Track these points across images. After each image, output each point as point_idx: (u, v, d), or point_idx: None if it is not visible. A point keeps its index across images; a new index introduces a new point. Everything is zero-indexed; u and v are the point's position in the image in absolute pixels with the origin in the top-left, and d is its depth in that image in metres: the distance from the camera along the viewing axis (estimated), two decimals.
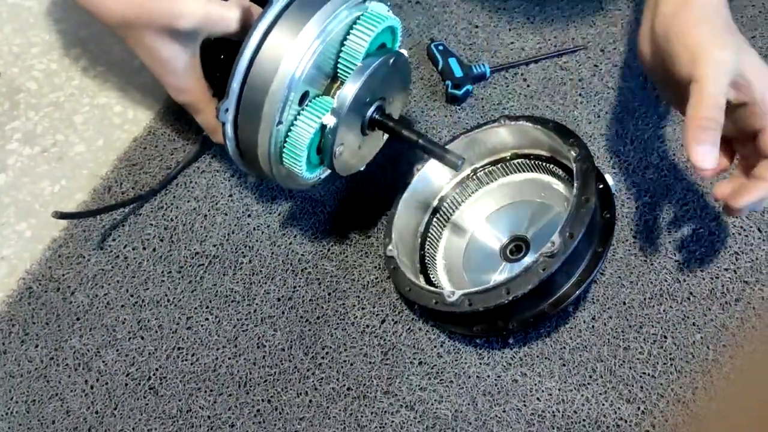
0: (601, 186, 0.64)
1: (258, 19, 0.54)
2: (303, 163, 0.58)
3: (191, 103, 0.62)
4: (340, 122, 0.57)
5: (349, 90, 0.57)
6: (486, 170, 0.72)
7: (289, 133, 0.57)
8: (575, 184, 0.59)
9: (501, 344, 0.66)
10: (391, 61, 0.59)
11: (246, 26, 0.58)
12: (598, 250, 0.61)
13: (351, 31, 0.57)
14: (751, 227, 0.70)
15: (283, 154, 0.58)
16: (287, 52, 0.54)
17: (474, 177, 0.72)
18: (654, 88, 0.78)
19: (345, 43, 0.57)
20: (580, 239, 0.57)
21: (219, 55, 0.61)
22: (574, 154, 0.62)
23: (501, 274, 0.66)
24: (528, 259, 0.63)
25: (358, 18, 0.57)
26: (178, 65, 0.58)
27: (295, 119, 0.57)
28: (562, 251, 0.57)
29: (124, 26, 0.57)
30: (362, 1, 0.58)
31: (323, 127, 0.57)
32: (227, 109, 0.55)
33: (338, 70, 0.58)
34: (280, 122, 0.55)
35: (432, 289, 0.63)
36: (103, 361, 0.67)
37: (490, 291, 0.58)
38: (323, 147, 0.59)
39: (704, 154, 0.51)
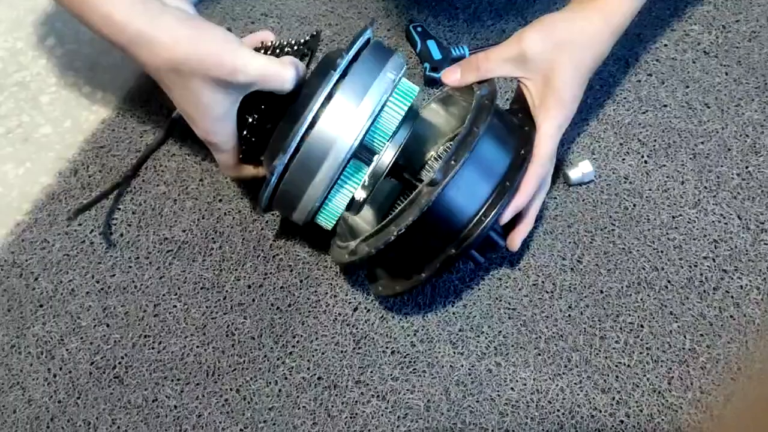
0: (526, 128, 0.62)
1: (324, 82, 0.54)
2: (334, 221, 0.61)
3: (216, 144, 0.60)
4: (368, 198, 0.59)
5: (382, 165, 0.59)
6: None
7: (329, 196, 0.58)
8: (469, 116, 0.57)
9: (467, 313, 0.64)
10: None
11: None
12: (506, 184, 0.57)
13: (387, 104, 0.57)
14: (730, 214, 0.69)
15: (320, 212, 0.60)
16: (350, 121, 0.55)
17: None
18: (636, 73, 0.77)
19: (380, 114, 0.58)
20: (470, 169, 0.55)
21: (259, 104, 0.60)
22: (479, 93, 0.60)
23: None
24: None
25: (393, 91, 0.58)
26: (218, 111, 0.57)
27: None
28: (442, 177, 0.54)
29: (172, 71, 0.55)
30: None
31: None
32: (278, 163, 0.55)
33: (372, 139, 0.59)
34: (330, 186, 0.56)
35: (341, 243, 0.62)
36: (67, 349, 0.66)
37: (381, 231, 0.56)
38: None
39: (451, 74, 0.64)
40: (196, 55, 0.54)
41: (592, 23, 0.62)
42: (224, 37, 0.56)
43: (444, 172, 0.54)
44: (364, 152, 0.59)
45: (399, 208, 0.56)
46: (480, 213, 0.57)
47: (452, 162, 0.54)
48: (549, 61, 0.61)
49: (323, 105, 0.55)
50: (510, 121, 0.62)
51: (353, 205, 0.60)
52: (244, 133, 0.61)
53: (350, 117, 0.55)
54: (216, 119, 0.58)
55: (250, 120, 0.61)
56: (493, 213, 0.56)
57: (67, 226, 0.71)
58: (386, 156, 0.59)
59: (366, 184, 0.58)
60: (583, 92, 0.63)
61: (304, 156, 0.55)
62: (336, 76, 0.55)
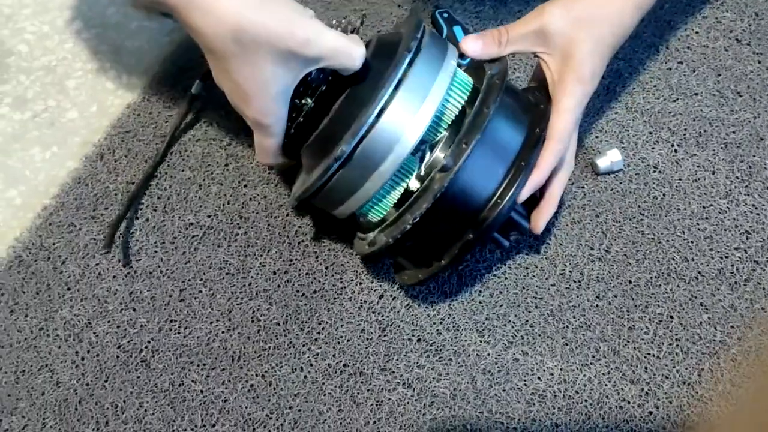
0: (541, 106, 0.60)
1: (389, 76, 0.52)
2: (384, 214, 0.58)
3: (268, 126, 0.56)
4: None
5: (438, 156, 0.56)
6: None
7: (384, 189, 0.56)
8: (479, 96, 0.55)
9: (493, 302, 0.64)
10: None
11: None
12: (521, 164, 0.56)
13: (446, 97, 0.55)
14: (763, 205, 0.68)
15: (373, 207, 0.58)
16: (418, 111, 0.53)
17: None
18: (666, 61, 0.76)
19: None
20: (482, 151, 0.53)
21: (312, 88, 0.57)
22: (490, 72, 0.58)
23: None
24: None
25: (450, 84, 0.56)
26: (277, 89, 0.53)
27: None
28: (453, 162, 0.52)
29: (234, 40, 0.50)
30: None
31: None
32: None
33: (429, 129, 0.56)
34: (387, 180, 0.55)
35: (361, 235, 0.61)
36: (95, 333, 0.66)
37: (397, 220, 0.55)
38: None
39: (472, 44, 0.61)
40: (266, 22, 0.50)
41: (619, 0, 0.60)
42: (294, 7, 0.52)
43: (455, 156, 0.53)
44: (420, 142, 0.56)
45: (414, 195, 0.55)
46: (496, 195, 0.55)
47: (463, 145, 0.53)
48: (569, 37, 0.59)
49: (392, 93, 0.52)
50: (524, 98, 0.61)
51: (405, 197, 0.57)
52: (295, 116, 0.58)
53: (418, 107, 0.53)
54: (273, 97, 0.54)
55: (303, 103, 0.57)
56: (509, 195, 0.55)
57: (105, 253, 0.69)
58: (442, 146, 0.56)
59: (422, 174, 0.56)
60: (603, 69, 0.61)
61: (368, 147, 0.53)
62: (406, 62, 0.52)
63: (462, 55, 0.75)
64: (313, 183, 0.55)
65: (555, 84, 0.61)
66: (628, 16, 0.61)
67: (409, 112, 0.53)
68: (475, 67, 0.62)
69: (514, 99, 0.59)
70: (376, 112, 0.52)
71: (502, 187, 0.55)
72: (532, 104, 0.61)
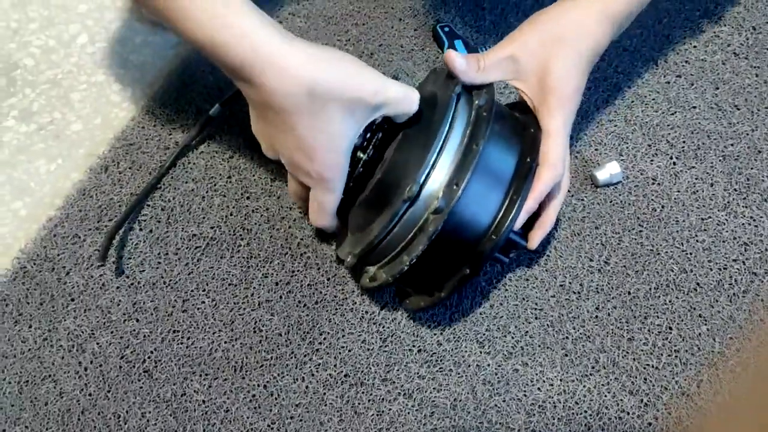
0: (531, 130, 0.60)
1: (442, 125, 0.55)
2: None
3: (331, 180, 0.56)
4: None
5: None
6: None
7: None
8: (467, 131, 0.55)
9: (494, 313, 0.64)
10: None
11: None
12: (514, 197, 0.56)
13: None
14: (761, 217, 0.68)
15: None
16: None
17: None
18: (665, 74, 0.77)
19: None
20: (474, 190, 0.54)
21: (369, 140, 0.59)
22: (477, 102, 0.58)
23: None
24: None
25: None
26: (343, 140, 0.54)
27: None
28: (447, 205, 0.53)
29: (306, 94, 0.51)
30: None
31: None
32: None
33: None
34: None
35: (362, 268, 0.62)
36: (98, 343, 0.66)
37: (394, 260, 0.57)
38: None
39: (457, 58, 0.59)
40: (339, 76, 0.52)
41: (586, 13, 0.60)
42: (356, 60, 0.54)
43: (448, 198, 0.53)
44: None
45: (410, 235, 0.55)
46: (491, 230, 0.56)
47: (454, 186, 0.53)
48: (541, 60, 0.59)
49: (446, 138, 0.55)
50: (513, 124, 0.60)
51: None
52: (352, 169, 0.58)
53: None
54: (340, 149, 0.54)
55: (364, 157, 0.58)
56: (504, 229, 0.55)
57: (100, 266, 0.70)
58: None
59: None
60: (584, 82, 0.60)
61: (430, 188, 0.54)
62: (451, 113, 0.55)
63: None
64: (383, 228, 0.56)
65: (537, 109, 0.60)
66: (601, 31, 0.60)
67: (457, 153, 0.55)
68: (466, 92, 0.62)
69: (503, 126, 0.58)
70: (435, 154, 0.54)
71: (496, 222, 0.56)
72: (521, 127, 0.60)
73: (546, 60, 0.59)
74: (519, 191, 0.56)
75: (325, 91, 0.51)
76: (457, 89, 0.57)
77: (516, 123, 0.60)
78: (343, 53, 0.54)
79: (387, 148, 0.59)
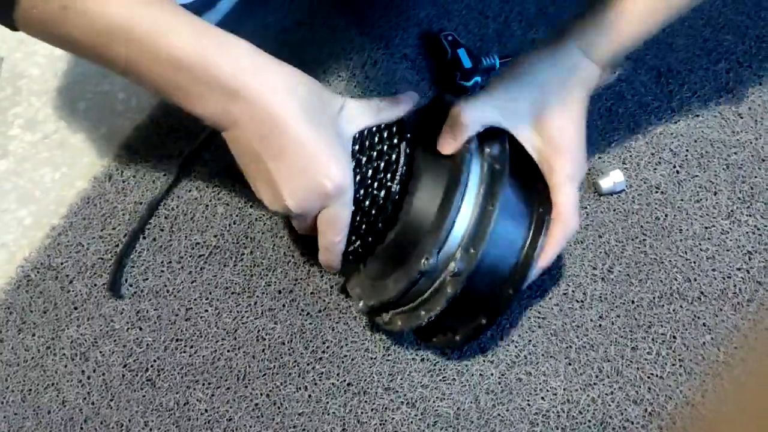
0: (541, 184, 0.58)
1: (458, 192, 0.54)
2: None
3: (348, 187, 0.52)
4: None
5: None
6: None
7: None
8: (481, 188, 0.54)
9: (499, 342, 0.64)
10: None
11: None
12: (527, 257, 0.56)
13: None
14: (765, 226, 0.68)
15: None
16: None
17: None
18: (668, 83, 0.77)
19: None
20: (490, 251, 0.53)
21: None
22: (490, 151, 0.56)
23: None
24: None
25: None
26: (347, 144, 0.53)
27: None
28: (465, 269, 0.53)
29: (308, 92, 0.50)
30: None
31: None
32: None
33: None
34: None
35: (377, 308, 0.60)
36: (101, 352, 0.66)
37: (412, 312, 0.57)
38: None
39: (442, 141, 0.56)
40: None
41: (569, 57, 0.57)
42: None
43: (465, 262, 0.53)
44: None
45: (427, 293, 0.55)
46: (506, 287, 0.56)
47: (471, 251, 0.53)
48: (534, 108, 0.57)
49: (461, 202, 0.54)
50: (525, 175, 0.58)
51: None
52: (382, 201, 0.56)
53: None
54: (347, 151, 0.53)
55: (394, 187, 0.55)
56: (519, 286, 0.56)
57: (112, 299, 0.68)
58: None
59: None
60: (584, 123, 0.58)
61: (445, 254, 0.54)
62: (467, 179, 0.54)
63: (465, 78, 0.77)
64: (399, 292, 0.56)
65: (541, 163, 0.58)
66: (586, 66, 0.58)
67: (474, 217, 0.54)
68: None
69: (516, 180, 0.57)
70: (451, 223, 0.53)
71: (514, 277, 0.56)
72: (534, 175, 0.59)
73: (539, 110, 0.57)
74: (534, 247, 0.56)
75: (319, 88, 0.50)
76: (472, 146, 0.55)
77: (528, 172, 0.58)
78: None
79: (409, 182, 0.57)
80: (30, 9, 0.44)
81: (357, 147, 0.55)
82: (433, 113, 0.60)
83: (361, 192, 0.55)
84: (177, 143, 0.77)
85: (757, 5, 0.81)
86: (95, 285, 0.69)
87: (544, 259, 0.56)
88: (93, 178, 0.75)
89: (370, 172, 0.55)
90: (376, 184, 0.55)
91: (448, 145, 0.56)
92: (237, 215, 0.72)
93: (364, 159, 0.55)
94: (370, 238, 0.56)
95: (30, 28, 0.46)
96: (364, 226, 0.56)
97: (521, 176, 0.58)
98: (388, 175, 0.55)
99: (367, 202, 0.55)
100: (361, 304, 0.60)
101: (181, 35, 0.46)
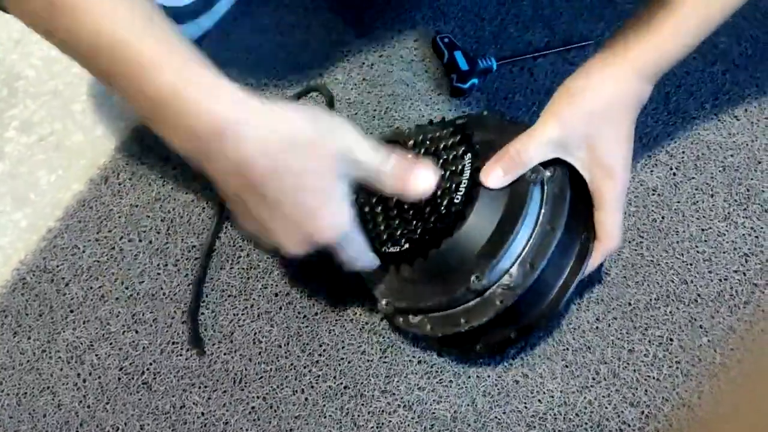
0: (584, 206, 0.59)
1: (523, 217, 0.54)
2: None
3: (346, 235, 0.51)
4: None
5: None
6: None
7: None
8: (543, 209, 0.55)
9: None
10: None
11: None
12: (568, 282, 0.57)
13: None
14: (761, 228, 0.68)
15: None
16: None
17: None
18: (664, 85, 0.77)
19: None
20: (544, 269, 0.54)
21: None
22: (548, 174, 0.56)
23: None
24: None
25: None
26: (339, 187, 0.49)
27: None
28: (521, 284, 0.54)
29: (289, 144, 0.46)
30: None
31: None
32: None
33: None
34: None
35: (398, 305, 0.60)
36: (96, 355, 0.66)
37: (448, 317, 0.56)
38: None
39: (493, 175, 0.56)
40: (313, 125, 0.47)
41: (624, 77, 0.56)
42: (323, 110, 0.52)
43: (522, 278, 0.54)
44: None
45: (472, 303, 0.55)
46: (545, 305, 0.57)
47: (528, 267, 0.54)
48: (589, 137, 0.56)
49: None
50: (575, 201, 0.58)
51: None
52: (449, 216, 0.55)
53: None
54: (339, 203, 0.49)
55: (457, 202, 0.55)
56: (555, 308, 0.57)
57: (196, 351, 0.66)
58: None
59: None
60: (632, 140, 0.58)
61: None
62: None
63: (461, 80, 0.77)
64: (437, 304, 0.56)
65: (589, 181, 0.57)
66: (641, 89, 0.57)
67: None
68: None
69: (571, 204, 0.57)
70: (510, 245, 0.54)
71: (551, 299, 0.57)
72: (583, 202, 0.59)
73: (593, 137, 0.56)
74: (576, 272, 0.57)
75: (306, 139, 0.46)
76: (534, 178, 0.56)
77: (579, 194, 0.58)
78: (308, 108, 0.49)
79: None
80: None
81: (422, 151, 0.56)
82: (481, 127, 0.60)
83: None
84: None
85: (752, 6, 0.82)
86: (91, 288, 0.69)
87: (584, 274, 0.58)
88: (89, 180, 0.75)
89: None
90: (439, 192, 0.55)
91: (497, 180, 0.55)
92: (232, 225, 0.72)
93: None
94: (419, 245, 0.56)
95: (20, 15, 0.45)
96: (418, 231, 0.56)
97: (573, 199, 0.57)
98: (453, 186, 0.55)
99: (428, 209, 0.55)
100: (384, 302, 0.59)
101: (164, 71, 0.43)
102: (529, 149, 0.56)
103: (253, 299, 0.68)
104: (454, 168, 0.56)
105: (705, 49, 0.79)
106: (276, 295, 0.68)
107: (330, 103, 0.59)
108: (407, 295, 0.59)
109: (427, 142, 0.59)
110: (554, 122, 0.56)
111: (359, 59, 0.81)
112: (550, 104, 0.57)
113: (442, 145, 0.58)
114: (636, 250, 0.68)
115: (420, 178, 0.51)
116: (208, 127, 0.44)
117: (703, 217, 0.69)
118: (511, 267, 0.54)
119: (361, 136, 0.49)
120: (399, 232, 0.57)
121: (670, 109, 0.75)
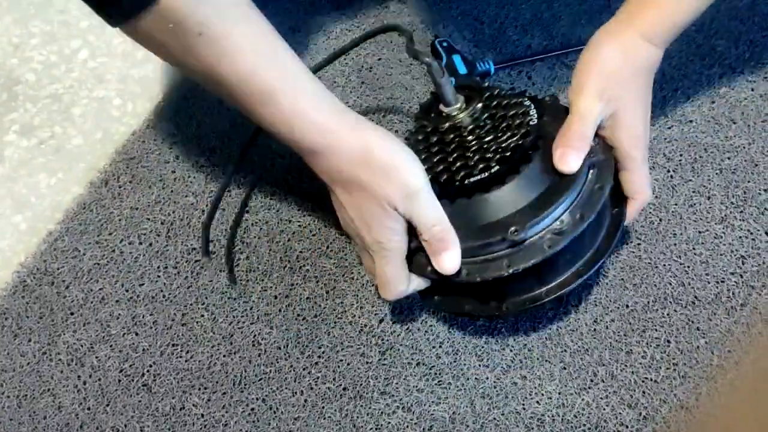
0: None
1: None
2: None
3: (386, 255, 0.55)
4: None
5: None
6: None
7: None
8: (593, 170, 0.57)
9: (493, 326, 0.65)
10: None
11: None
12: (602, 247, 0.58)
13: None
14: (758, 230, 0.68)
15: None
16: None
17: None
18: (662, 88, 0.77)
19: None
20: (588, 225, 0.55)
21: None
22: (593, 143, 0.58)
23: None
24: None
25: None
26: (390, 219, 0.54)
27: None
28: (570, 230, 0.54)
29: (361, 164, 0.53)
30: None
31: None
32: None
33: None
34: None
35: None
36: (97, 357, 0.66)
37: (490, 262, 0.55)
38: None
39: (570, 159, 0.56)
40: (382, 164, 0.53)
41: (631, 46, 0.59)
42: (404, 147, 0.55)
43: (572, 225, 0.54)
44: None
45: (517, 249, 0.54)
46: (581, 265, 0.57)
47: (578, 216, 0.54)
48: (610, 103, 0.58)
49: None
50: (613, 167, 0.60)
51: None
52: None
53: None
54: (391, 222, 0.54)
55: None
56: (590, 269, 0.57)
57: (206, 260, 0.70)
58: None
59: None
60: (649, 107, 0.61)
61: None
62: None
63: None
64: (466, 251, 0.55)
65: (614, 147, 0.59)
66: (653, 56, 0.60)
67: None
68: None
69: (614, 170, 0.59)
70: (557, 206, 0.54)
71: (587, 260, 0.57)
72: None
73: (614, 103, 0.58)
74: (610, 241, 0.58)
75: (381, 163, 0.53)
76: (596, 159, 0.57)
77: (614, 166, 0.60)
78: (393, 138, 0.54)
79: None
80: (165, 22, 0.47)
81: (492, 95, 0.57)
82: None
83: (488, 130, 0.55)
84: (173, 148, 0.77)
85: (750, 10, 0.82)
86: (91, 290, 0.69)
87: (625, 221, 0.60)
88: (89, 183, 0.75)
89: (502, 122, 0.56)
90: (502, 134, 0.56)
91: (576, 163, 0.56)
92: (233, 220, 0.72)
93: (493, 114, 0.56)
94: (463, 181, 0.56)
95: (144, 36, 0.49)
96: (464, 170, 0.56)
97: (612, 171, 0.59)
98: (522, 130, 0.56)
99: (506, 142, 0.55)
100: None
101: (282, 105, 0.50)
102: (588, 129, 0.57)
103: (253, 301, 0.68)
104: (522, 117, 0.57)
105: (703, 52, 0.79)
106: (275, 297, 0.68)
107: (411, 39, 0.59)
108: None
109: (496, 94, 0.58)
110: (594, 97, 0.57)
111: (358, 63, 0.82)
112: (576, 82, 0.59)
113: (506, 101, 0.58)
114: (634, 252, 0.68)
115: (447, 259, 0.55)
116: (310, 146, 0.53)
117: (701, 219, 0.69)
118: (562, 214, 0.54)
119: (427, 195, 0.53)
120: (476, 159, 0.56)
121: (667, 112, 0.76)
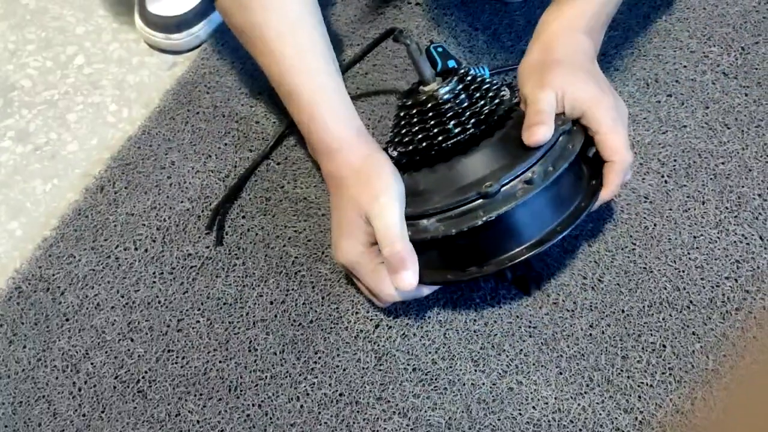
0: (592, 154, 0.62)
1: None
2: None
3: (354, 266, 0.62)
4: None
5: None
6: None
7: None
8: (563, 136, 0.60)
9: (488, 331, 0.65)
10: None
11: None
12: (581, 205, 0.60)
13: None
14: (752, 235, 0.69)
15: None
16: None
17: None
18: (656, 94, 0.78)
19: None
20: (563, 181, 0.58)
21: None
22: (562, 119, 0.61)
23: None
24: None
25: None
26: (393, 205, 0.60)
27: None
28: (541, 180, 0.56)
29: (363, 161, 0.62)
30: None
31: None
32: None
33: None
34: None
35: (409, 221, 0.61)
36: (92, 363, 0.66)
37: (465, 214, 0.57)
38: None
39: (539, 131, 0.59)
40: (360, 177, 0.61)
41: (567, 37, 0.64)
42: (390, 168, 0.62)
43: (544, 174, 0.56)
44: None
45: (489, 199, 0.57)
46: (560, 223, 0.59)
47: (550, 168, 0.57)
48: (559, 88, 0.61)
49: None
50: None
51: None
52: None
53: None
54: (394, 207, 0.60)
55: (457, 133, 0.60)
56: (570, 227, 0.58)
57: (207, 233, 0.72)
58: None
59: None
60: (600, 82, 0.63)
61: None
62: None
63: None
64: (445, 205, 0.58)
65: (580, 118, 0.62)
66: (579, 40, 0.64)
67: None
68: None
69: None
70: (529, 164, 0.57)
71: (566, 217, 0.59)
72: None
73: (562, 87, 0.61)
74: (588, 201, 0.60)
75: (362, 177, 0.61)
76: (566, 127, 0.60)
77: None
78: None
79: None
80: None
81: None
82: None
83: (462, 101, 0.60)
84: (169, 154, 0.77)
85: (741, 17, 0.83)
86: (87, 296, 0.69)
87: (606, 192, 0.61)
88: (84, 189, 0.75)
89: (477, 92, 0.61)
90: (478, 99, 0.61)
91: (546, 133, 0.58)
92: (229, 226, 0.72)
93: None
94: (439, 148, 0.60)
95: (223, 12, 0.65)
96: (472, 123, 0.59)
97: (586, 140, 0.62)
98: (489, 99, 0.61)
99: (485, 109, 0.60)
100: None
101: (303, 105, 0.63)
102: (545, 105, 0.60)
103: (249, 307, 0.68)
104: (495, 92, 0.62)
105: (696, 58, 0.80)
106: (271, 303, 0.68)
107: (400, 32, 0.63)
108: (417, 203, 0.60)
109: (472, 74, 0.63)
110: (537, 86, 0.61)
111: (354, 68, 0.82)
112: (519, 79, 0.64)
113: (482, 78, 0.63)
114: (629, 257, 0.68)
115: (404, 278, 0.59)
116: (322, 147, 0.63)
117: (695, 224, 0.70)
118: (533, 166, 0.57)
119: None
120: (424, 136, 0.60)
121: (661, 118, 0.76)
